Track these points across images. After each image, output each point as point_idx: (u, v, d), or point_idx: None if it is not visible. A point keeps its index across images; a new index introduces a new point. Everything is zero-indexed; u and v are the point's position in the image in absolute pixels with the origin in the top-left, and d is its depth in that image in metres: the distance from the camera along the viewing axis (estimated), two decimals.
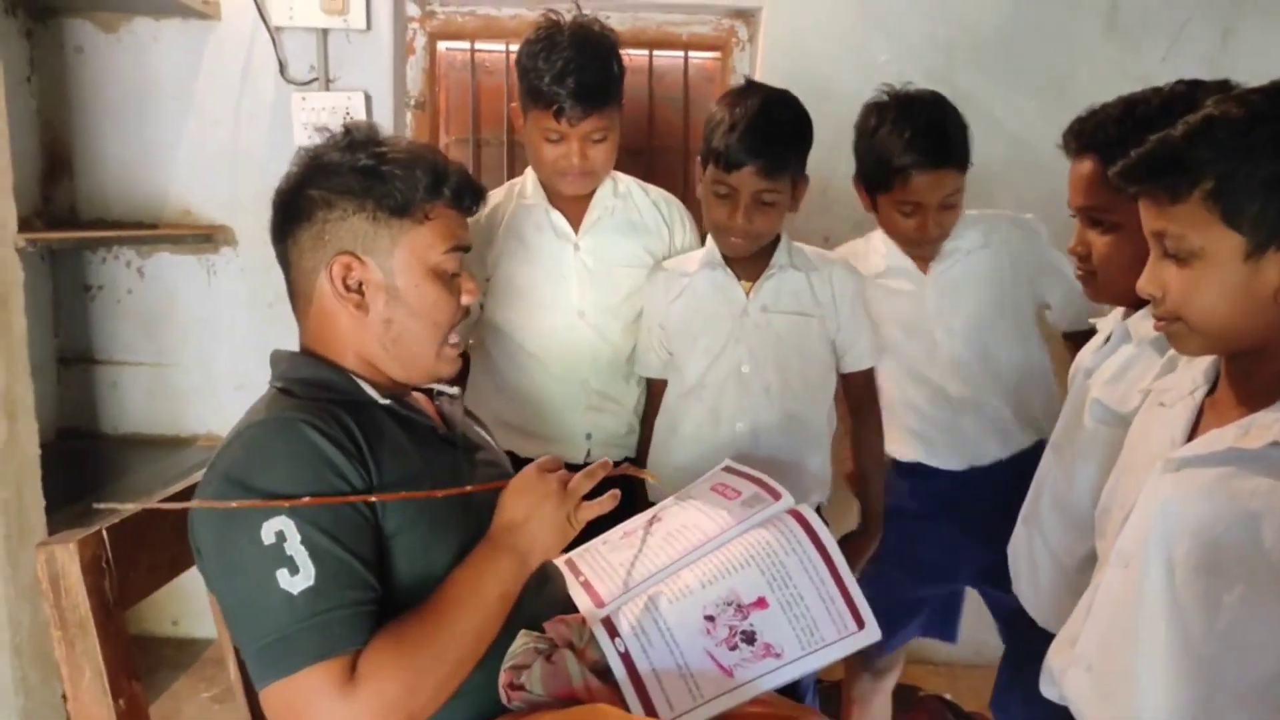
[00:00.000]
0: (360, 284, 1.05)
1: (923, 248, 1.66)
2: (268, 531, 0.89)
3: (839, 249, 1.77)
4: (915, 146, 1.52)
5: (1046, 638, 1.13)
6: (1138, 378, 1.15)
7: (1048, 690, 1.08)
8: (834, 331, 1.59)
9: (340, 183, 1.04)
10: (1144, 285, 0.94)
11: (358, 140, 1.06)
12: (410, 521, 0.98)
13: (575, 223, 1.68)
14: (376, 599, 0.93)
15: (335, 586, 0.89)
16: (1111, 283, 1.22)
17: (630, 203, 1.72)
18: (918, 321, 1.68)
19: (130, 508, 0.95)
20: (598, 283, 1.67)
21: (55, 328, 2.39)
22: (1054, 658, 1.07)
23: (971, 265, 1.68)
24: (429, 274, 1.06)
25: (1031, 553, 1.34)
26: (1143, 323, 1.14)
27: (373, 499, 0.95)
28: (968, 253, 1.68)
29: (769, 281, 1.57)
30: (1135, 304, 1.19)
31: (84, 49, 2.29)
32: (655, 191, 1.77)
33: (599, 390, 1.69)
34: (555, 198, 1.67)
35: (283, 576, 0.88)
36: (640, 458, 1.72)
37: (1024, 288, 1.70)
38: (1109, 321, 1.32)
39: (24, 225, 1.70)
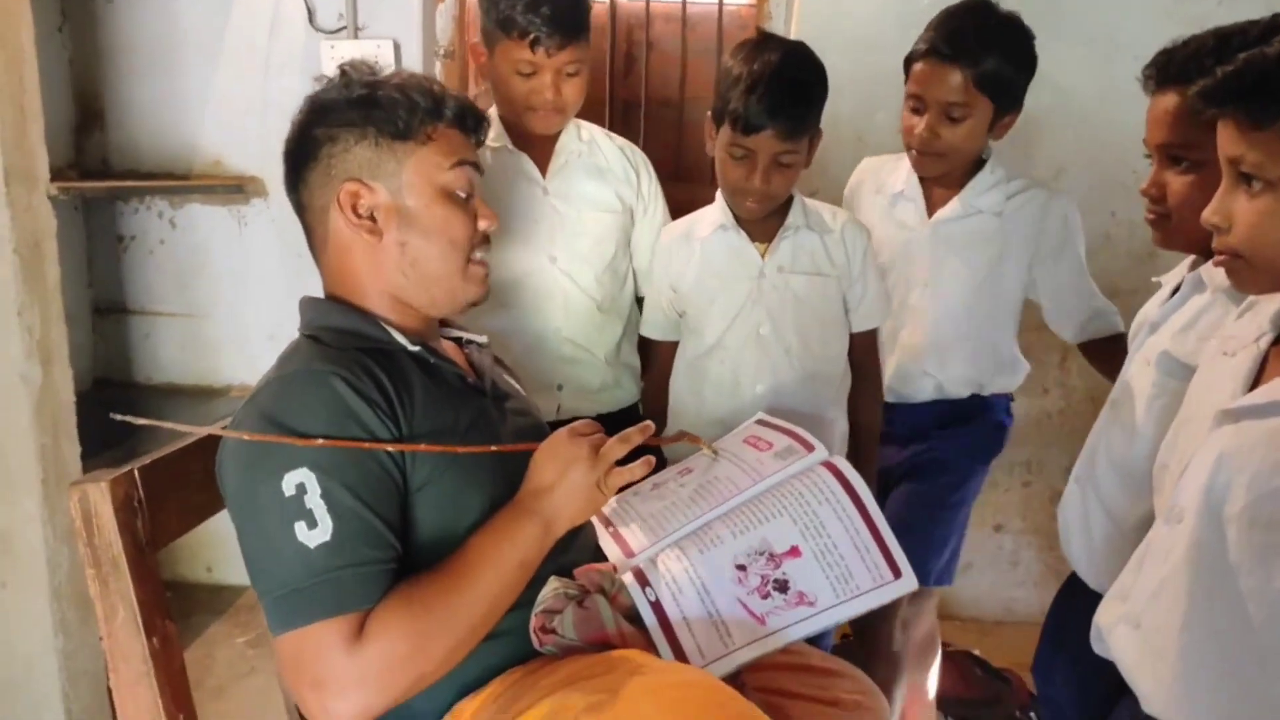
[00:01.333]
0: (371, 211, 1.04)
1: (931, 170, 1.62)
2: (289, 483, 0.89)
3: (868, 161, 1.72)
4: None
5: (1095, 598, 1.10)
6: (1210, 328, 1.11)
7: (1097, 647, 1.06)
8: (847, 290, 1.57)
9: (339, 117, 1.04)
10: (1209, 215, 0.90)
11: (354, 79, 1.06)
12: (438, 474, 0.97)
13: (542, 167, 1.62)
14: (395, 558, 0.93)
15: (352, 543, 0.89)
16: (1185, 226, 1.15)
17: (596, 149, 1.67)
18: (900, 258, 1.67)
19: (183, 428, 0.95)
20: (568, 226, 1.62)
21: (89, 278, 2.41)
22: (1103, 615, 1.05)
23: (974, 228, 1.63)
24: (439, 193, 1.06)
25: (1085, 512, 1.30)
26: (1218, 271, 1.09)
27: (390, 448, 0.94)
28: (978, 213, 1.63)
29: (784, 242, 1.53)
30: (1206, 252, 1.14)
31: None
32: (619, 139, 1.72)
33: (570, 339, 1.65)
34: (519, 140, 1.61)
35: (300, 529, 0.88)
36: (648, 417, 1.69)
37: (1018, 276, 1.65)
38: (1175, 274, 1.27)
39: (57, 175, 1.71)
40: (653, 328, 1.67)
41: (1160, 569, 0.95)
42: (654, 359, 1.70)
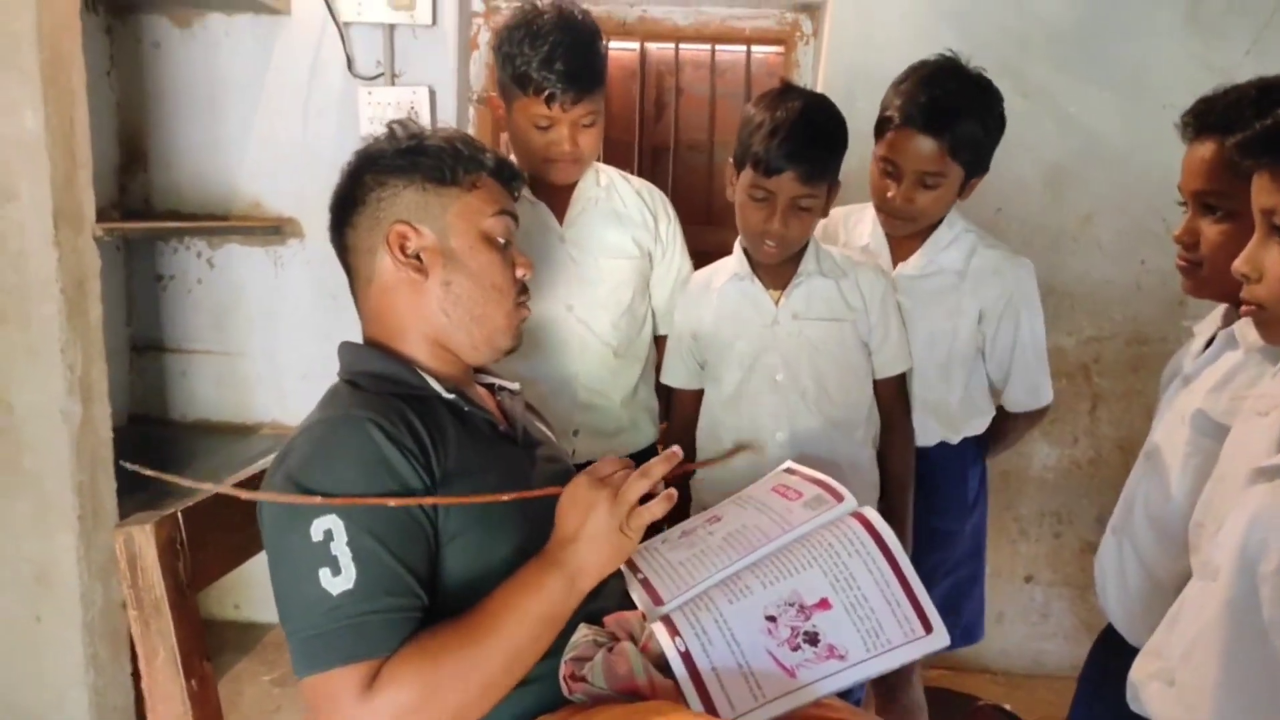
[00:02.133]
0: (417, 251, 1.08)
1: (899, 230, 1.63)
2: (317, 529, 0.90)
3: (836, 210, 1.71)
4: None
5: (1132, 653, 1.09)
6: (1244, 386, 1.10)
7: (1133, 703, 1.04)
8: (866, 335, 1.56)
9: (387, 164, 1.09)
10: (1240, 265, 0.90)
11: (400, 133, 1.12)
12: (469, 522, 0.98)
13: (559, 214, 1.65)
14: (419, 607, 0.93)
15: (374, 591, 0.90)
16: (1217, 275, 1.15)
17: (614, 193, 1.69)
18: None
19: (205, 487, 0.97)
20: (584, 274, 1.64)
21: (129, 316, 2.46)
22: (1138, 671, 1.04)
23: (935, 283, 1.63)
24: (481, 238, 1.11)
25: (1122, 566, 1.28)
26: (1251, 329, 1.09)
27: (408, 502, 0.94)
28: (938, 272, 1.63)
29: (798, 289, 1.54)
30: (1237, 301, 1.14)
31: (160, 44, 2.36)
32: (638, 181, 1.74)
33: (587, 385, 1.66)
34: (538, 189, 1.63)
35: (325, 575, 0.89)
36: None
37: (971, 329, 1.64)
38: (1209, 323, 1.27)
39: (101, 216, 1.75)
40: (673, 376, 1.67)
41: (1194, 626, 0.94)
42: (675, 407, 1.70)
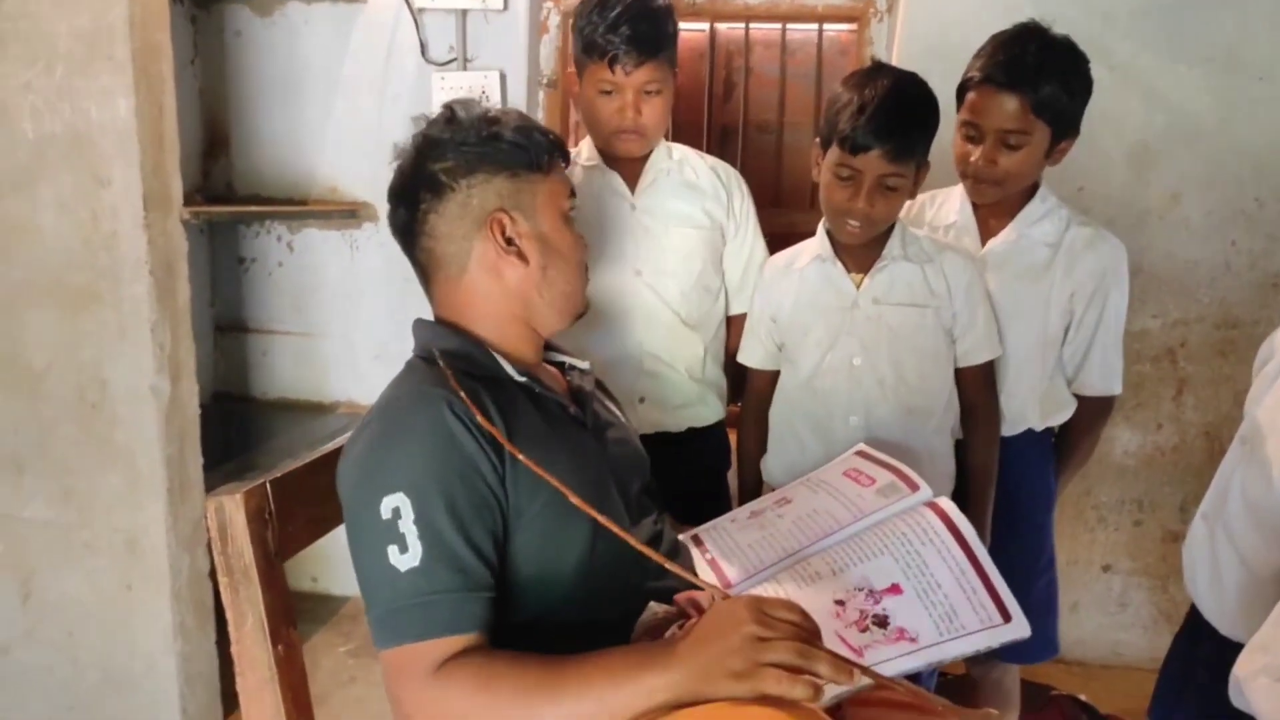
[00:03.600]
0: (515, 238, 1.09)
1: (986, 197, 1.59)
2: (386, 506, 0.92)
3: (921, 194, 1.68)
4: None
5: (1223, 644, 1.05)
6: None
7: (1235, 699, 1.01)
8: (949, 322, 1.53)
9: (471, 152, 1.08)
10: None
11: (468, 116, 1.11)
12: (542, 505, 0.99)
13: (631, 185, 1.66)
14: (486, 585, 0.94)
15: (440, 570, 0.91)
16: None
17: (686, 166, 1.70)
18: None
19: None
20: (654, 241, 1.65)
21: (213, 297, 2.55)
22: (1243, 666, 1.00)
23: (1028, 257, 1.59)
24: (563, 219, 1.14)
25: (1214, 554, 1.24)
26: None
27: (520, 466, 0.95)
28: (1032, 242, 1.59)
29: (881, 273, 1.51)
30: None
31: (242, 33, 2.42)
32: (711, 159, 1.74)
33: (653, 353, 1.66)
34: (611, 161, 1.66)
35: (393, 553, 0.91)
36: (743, 449, 1.70)
37: (1062, 308, 1.59)
38: None
39: (186, 200, 1.82)
40: (749, 355, 1.67)
41: None
42: (750, 387, 1.70)
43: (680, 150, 1.72)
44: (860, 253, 1.53)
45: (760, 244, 1.71)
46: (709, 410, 1.74)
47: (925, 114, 1.45)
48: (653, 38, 1.52)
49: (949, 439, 1.58)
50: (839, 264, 1.54)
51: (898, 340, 1.52)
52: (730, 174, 1.73)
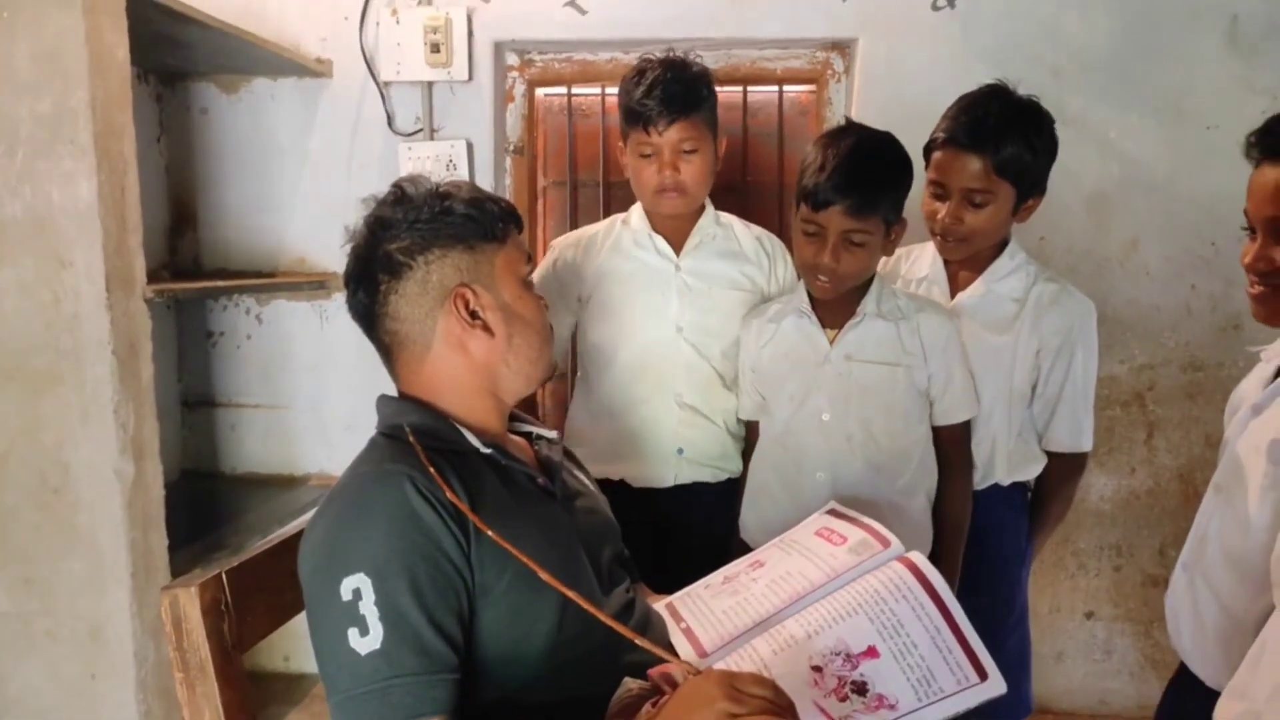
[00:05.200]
0: (479, 311, 1.09)
1: (954, 254, 1.62)
2: (346, 588, 0.90)
3: (900, 249, 1.71)
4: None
5: (1207, 694, 1.04)
6: None
7: None
8: (924, 382, 1.53)
9: (425, 228, 1.08)
10: None
11: (417, 192, 1.10)
12: (509, 582, 0.97)
13: (677, 247, 1.72)
14: (450, 666, 0.92)
15: (402, 652, 0.89)
16: None
17: (731, 233, 1.76)
18: None
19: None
20: (698, 301, 1.70)
21: (180, 372, 2.52)
22: (1221, 713, 0.99)
23: (996, 311, 1.60)
24: (523, 285, 1.14)
25: (1195, 604, 1.23)
26: None
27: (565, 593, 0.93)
28: (998, 298, 1.61)
29: (854, 330, 1.53)
30: None
31: (208, 110, 2.44)
32: (756, 229, 1.80)
33: (691, 405, 1.70)
34: (657, 225, 1.72)
35: (353, 636, 0.89)
36: (744, 497, 1.70)
37: (1028, 362, 1.61)
38: (1277, 349, 1.22)
39: (152, 277, 1.80)
40: (743, 408, 1.70)
41: (1279, 662, 0.90)
42: (748, 439, 1.72)
43: (727, 218, 1.79)
44: (837, 308, 1.54)
45: None
46: (734, 464, 1.76)
47: (887, 171, 1.47)
48: (683, 98, 1.58)
49: (922, 499, 1.57)
50: (815, 319, 1.56)
51: (867, 398, 1.52)
52: (775, 244, 1.79)
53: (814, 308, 1.57)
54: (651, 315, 1.70)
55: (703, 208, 1.74)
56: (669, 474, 1.71)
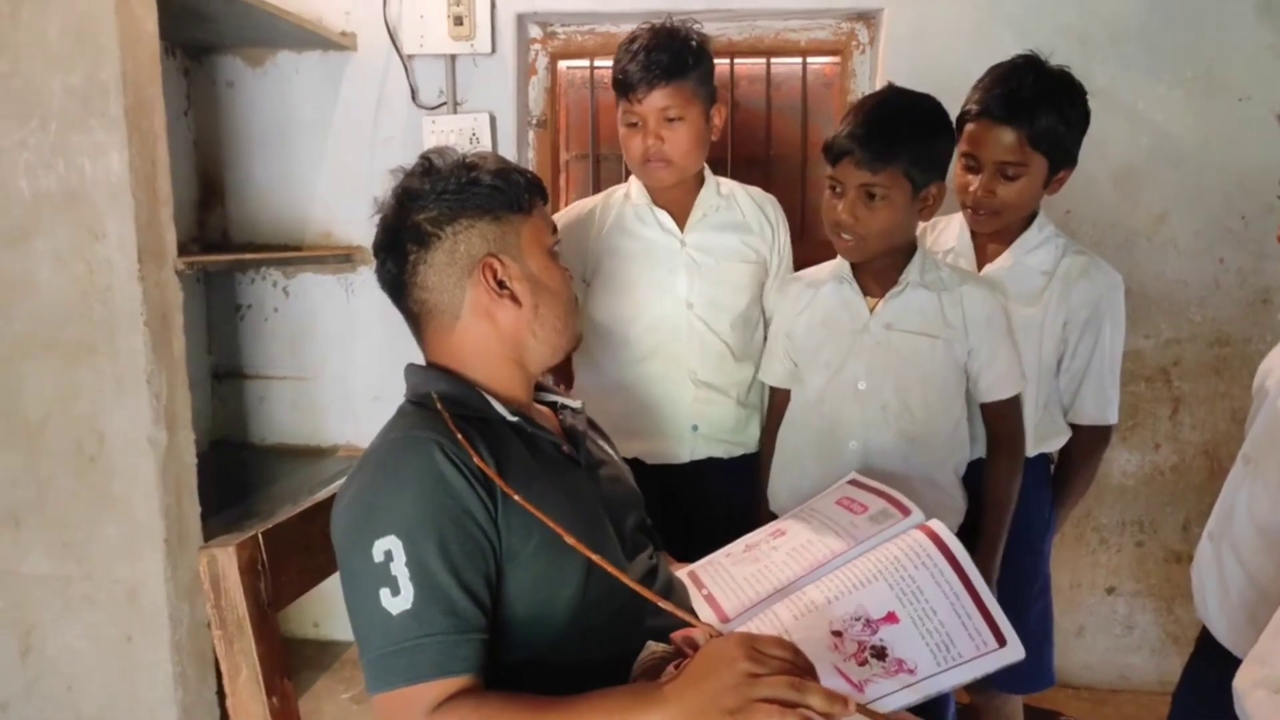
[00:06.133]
0: (507, 281, 1.10)
1: (985, 226, 1.61)
2: (378, 550, 0.92)
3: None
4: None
5: (1234, 664, 1.05)
6: None
7: (1239, 713, 1.00)
8: (963, 356, 1.51)
9: (452, 199, 1.09)
10: None
11: (445, 164, 1.11)
12: (535, 546, 0.99)
13: (680, 222, 1.70)
14: (479, 627, 0.94)
15: (432, 613, 0.91)
16: None
17: (733, 203, 1.74)
18: None
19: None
20: (706, 275, 1.68)
21: (209, 344, 2.56)
22: (1242, 679, 1.00)
23: (1023, 282, 1.59)
24: (549, 256, 1.15)
25: (1222, 573, 1.23)
26: None
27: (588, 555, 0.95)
28: (1026, 270, 1.60)
29: (896, 299, 1.50)
30: None
31: (234, 83, 2.45)
32: (757, 193, 1.78)
33: (706, 381, 1.70)
34: (658, 198, 1.70)
35: (385, 596, 0.91)
36: (763, 467, 1.70)
37: (1055, 334, 1.60)
38: None
39: (181, 250, 1.83)
40: (769, 374, 1.68)
41: None
42: (770, 405, 1.71)
43: (729, 185, 1.76)
44: (879, 276, 1.52)
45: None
46: (750, 437, 1.77)
47: (905, 123, 1.42)
48: (666, 64, 1.56)
49: (952, 475, 1.56)
50: (856, 285, 1.54)
51: (905, 368, 1.50)
52: (776, 210, 1.78)
53: (855, 275, 1.54)
54: (660, 293, 1.68)
55: (703, 179, 1.72)
56: (684, 450, 1.72)
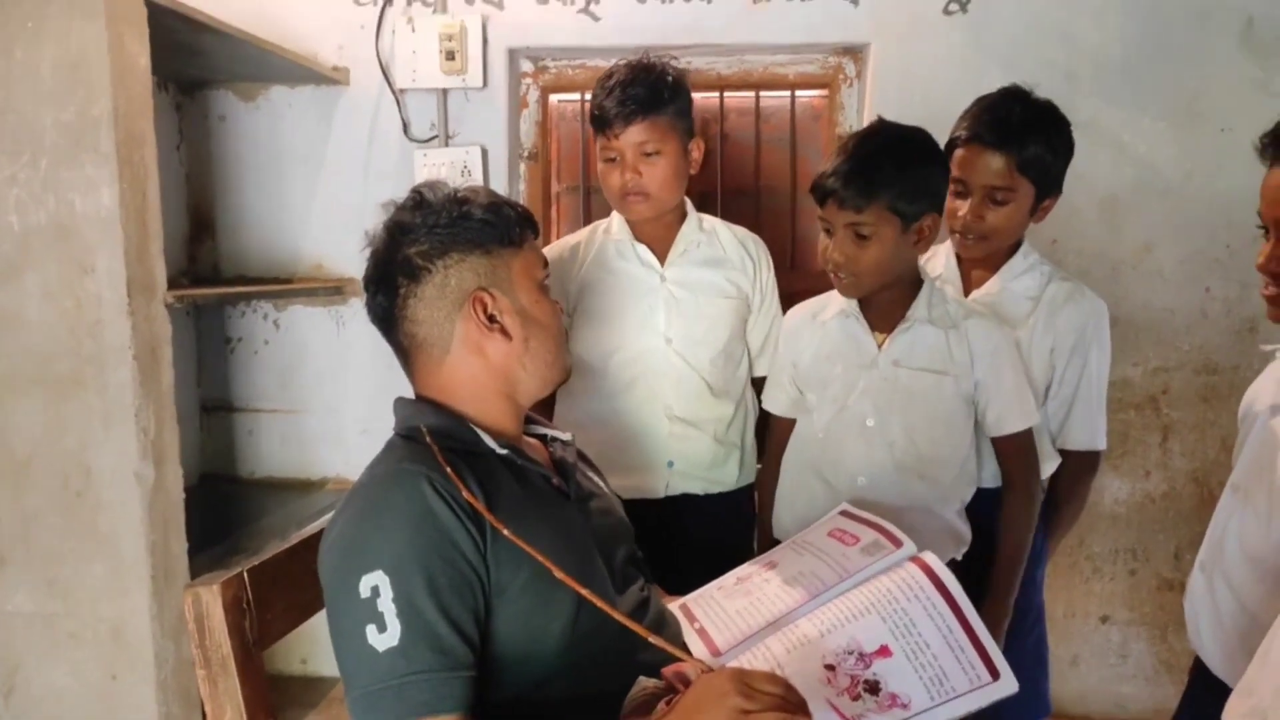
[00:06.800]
0: (498, 314, 1.10)
1: (973, 252, 1.63)
2: (365, 585, 0.92)
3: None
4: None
5: (1227, 694, 1.04)
6: None
7: None
8: (969, 391, 1.50)
9: (443, 233, 1.09)
10: None
11: (436, 198, 1.11)
12: (524, 580, 0.98)
13: (661, 256, 1.70)
14: (467, 664, 0.93)
15: (419, 649, 0.90)
16: None
17: (715, 238, 1.74)
18: None
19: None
20: (684, 311, 1.68)
21: (199, 378, 2.55)
22: (1230, 712, 0.99)
23: (1009, 308, 1.61)
24: (539, 290, 1.15)
25: (1214, 603, 1.23)
26: None
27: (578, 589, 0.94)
28: (1012, 296, 1.61)
29: (903, 335, 1.49)
30: None
31: (226, 117, 2.47)
32: (740, 230, 1.79)
33: (681, 417, 1.69)
34: (639, 233, 1.71)
35: (371, 632, 0.90)
36: (762, 493, 1.70)
37: (1043, 361, 1.61)
38: None
39: (171, 284, 1.82)
40: (773, 402, 1.67)
41: None
42: (772, 435, 1.70)
43: (711, 221, 1.77)
44: (886, 311, 1.51)
45: (780, 312, 1.75)
46: (728, 474, 1.76)
47: (886, 161, 1.41)
48: (642, 99, 1.57)
49: (957, 508, 1.55)
50: (863, 320, 1.53)
51: (913, 405, 1.49)
52: (759, 246, 1.78)
53: (863, 310, 1.53)
54: (639, 327, 1.68)
55: (685, 214, 1.73)
56: (660, 485, 1.70)
